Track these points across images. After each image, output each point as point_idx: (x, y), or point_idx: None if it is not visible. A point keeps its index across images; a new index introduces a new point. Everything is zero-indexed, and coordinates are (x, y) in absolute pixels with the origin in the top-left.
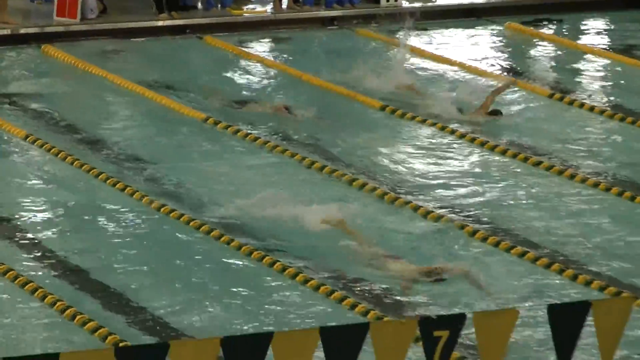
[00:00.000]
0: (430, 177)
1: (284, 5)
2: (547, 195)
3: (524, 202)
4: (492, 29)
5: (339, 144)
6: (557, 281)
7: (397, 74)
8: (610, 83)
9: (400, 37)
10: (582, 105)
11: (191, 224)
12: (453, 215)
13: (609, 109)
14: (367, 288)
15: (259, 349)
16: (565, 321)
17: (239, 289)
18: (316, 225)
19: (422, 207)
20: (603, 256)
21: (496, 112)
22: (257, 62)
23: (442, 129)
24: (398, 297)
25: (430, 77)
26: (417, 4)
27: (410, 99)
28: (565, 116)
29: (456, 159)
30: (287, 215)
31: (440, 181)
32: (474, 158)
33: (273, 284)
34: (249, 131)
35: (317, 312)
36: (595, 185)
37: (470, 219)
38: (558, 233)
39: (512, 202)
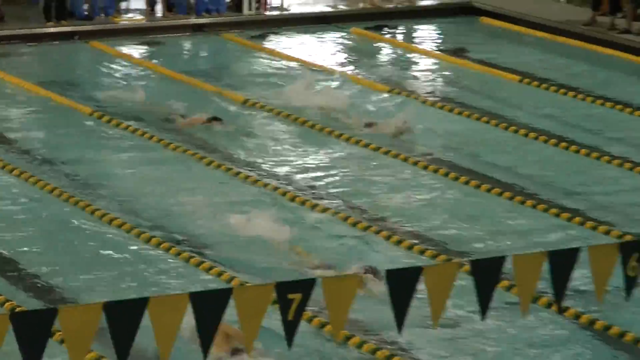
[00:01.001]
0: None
1: (159, 13)
2: (387, 176)
3: (368, 182)
4: (340, 34)
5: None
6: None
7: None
8: (441, 79)
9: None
10: (416, 98)
11: (79, 204)
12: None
13: (440, 101)
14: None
15: (136, 313)
16: (401, 284)
17: (122, 261)
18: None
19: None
20: (436, 229)
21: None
22: (136, 64)
23: (303, 122)
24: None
25: (290, 75)
26: (275, 12)
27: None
28: (401, 107)
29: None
30: (169, 199)
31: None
32: (333, 149)
33: (151, 256)
34: (136, 127)
35: (188, 280)
36: (425, 167)
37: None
38: (395, 208)
39: (361, 184)
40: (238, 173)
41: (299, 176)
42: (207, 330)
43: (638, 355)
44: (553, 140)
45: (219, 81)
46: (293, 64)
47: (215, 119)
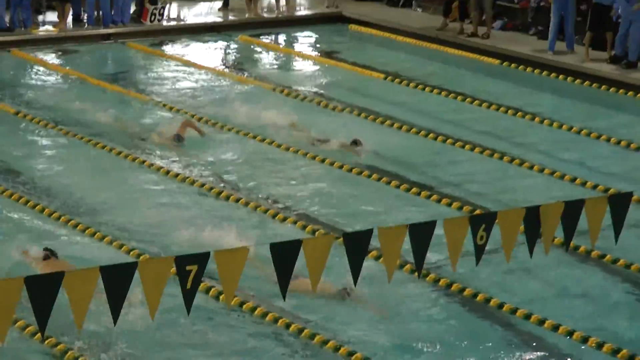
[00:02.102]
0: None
1: (70, 25)
2: (254, 159)
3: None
4: (231, 41)
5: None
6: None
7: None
8: (317, 77)
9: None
10: (297, 95)
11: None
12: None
13: (314, 95)
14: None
15: (54, 285)
16: (284, 256)
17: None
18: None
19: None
20: (319, 209)
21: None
22: (54, 70)
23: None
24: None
25: (192, 79)
26: (172, 23)
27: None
28: (282, 102)
29: None
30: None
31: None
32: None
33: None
34: (54, 125)
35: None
36: (313, 157)
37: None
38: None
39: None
40: (148, 164)
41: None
42: (116, 299)
43: (489, 312)
44: (414, 130)
45: (128, 83)
46: (192, 68)
47: (179, 137)
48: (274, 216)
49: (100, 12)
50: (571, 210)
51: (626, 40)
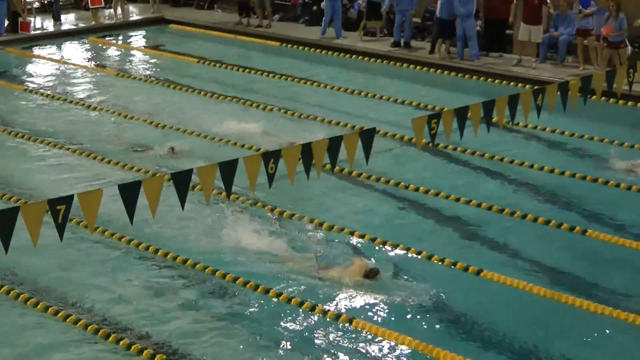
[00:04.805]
0: None
1: None
2: None
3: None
4: (83, 42)
5: None
6: None
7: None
8: (150, 66)
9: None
10: (135, 77)
11: None
12: None
13: (155, 79)
14: None
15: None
16: (129, 192)
17: None
18: None
19: None
20: None
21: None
22: None
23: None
24: None
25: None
26: (37, 32)
27: None
28: (120, 83)
29: None
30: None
31: None
32: None
33: None
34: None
35: None
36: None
37: None
38: None
39: None
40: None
41: None
42: (5, 236)
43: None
44: (226, 97)
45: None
46: (58, 64)
47: (173, 149)
48: None
49: None
50: (334, 144)
51: (400, 28)
